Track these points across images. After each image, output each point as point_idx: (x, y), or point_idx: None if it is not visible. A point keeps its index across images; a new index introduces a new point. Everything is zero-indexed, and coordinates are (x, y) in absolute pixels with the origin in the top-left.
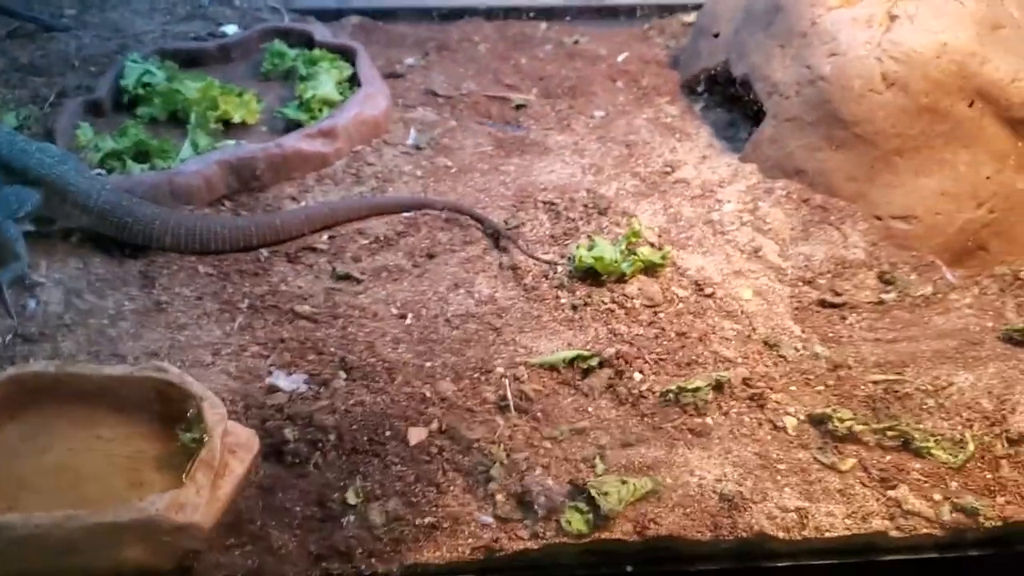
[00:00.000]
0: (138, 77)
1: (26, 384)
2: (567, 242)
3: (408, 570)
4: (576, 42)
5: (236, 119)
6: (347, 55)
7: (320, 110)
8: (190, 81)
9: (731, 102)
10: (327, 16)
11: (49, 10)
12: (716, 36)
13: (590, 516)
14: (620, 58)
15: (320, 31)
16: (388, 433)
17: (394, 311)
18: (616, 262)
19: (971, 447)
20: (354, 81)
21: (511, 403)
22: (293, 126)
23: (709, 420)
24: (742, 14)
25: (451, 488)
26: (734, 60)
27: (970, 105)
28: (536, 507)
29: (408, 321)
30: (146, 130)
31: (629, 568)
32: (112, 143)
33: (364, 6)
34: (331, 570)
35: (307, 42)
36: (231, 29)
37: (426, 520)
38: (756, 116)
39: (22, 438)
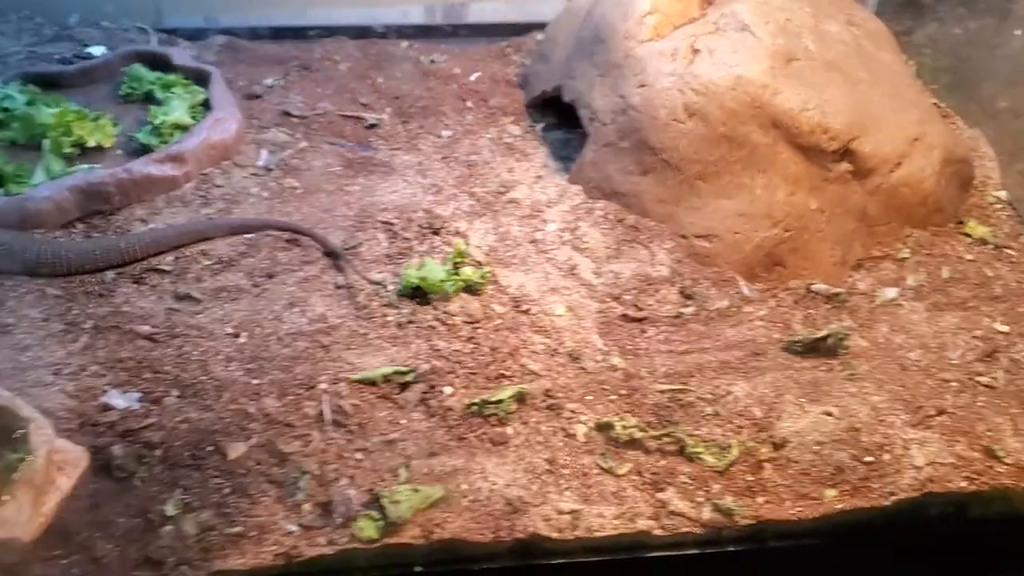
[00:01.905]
0: None
1: None
2: (401, 261)
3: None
4: (432, 61)
5: (91, 143)
6: (202, 78)
7: (172, 134)
8: (46, 106)
9: (569, 124)
10: (196, 36)
11: None
12: (553, 60)
13: (381, 523)
14: (472, 77)
15: (180, 55)
16: (210, 448)
17: (229, 330)
18: (441, 281)
19: (735, 451)
20: (208, 105)
21: (327, 417)
22: (145, 150)
23: (509, 430)
24: (574, 42)
25: (263, 499)
26: (565, 85)
27: (764, 133)
28: (335, 515)
29: (241, 340)
30: (5, 154)
31: (418, 569)
32: None
33: (232, 25)
34: None
35: (166, 65)
36: (98, 51)
37: (235, 529)
38: (585, 139)
39: None
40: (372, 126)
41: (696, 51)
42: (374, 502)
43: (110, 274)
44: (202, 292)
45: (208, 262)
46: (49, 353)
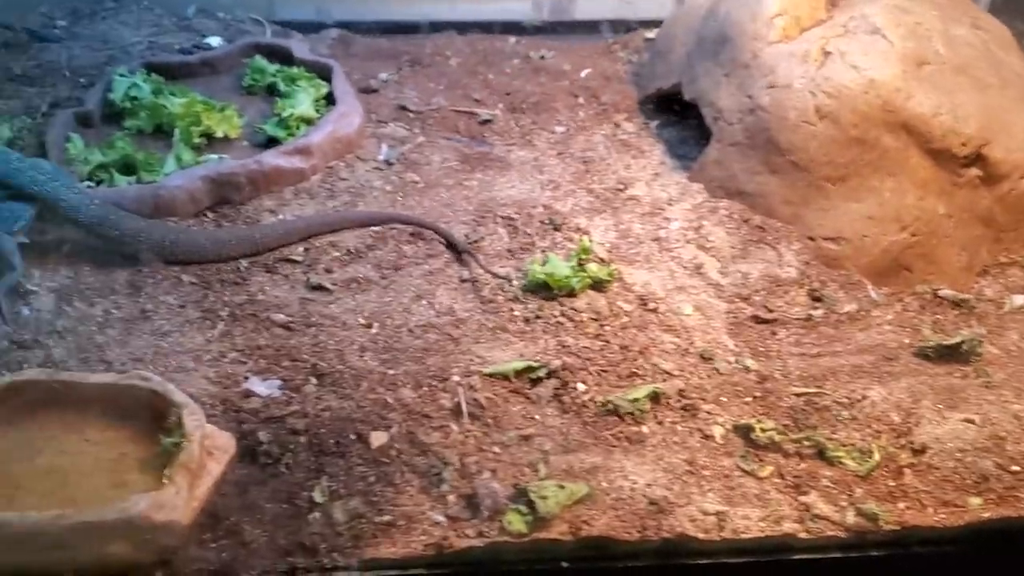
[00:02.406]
0: (125, 90)
1: (21, 391)
2: (523, 256)
3: (366, 564)
4: (542, 57)
5: (218, 134)
6: (324, 72)
7: (298, 127)
8: (175, 96)
9: (684, 122)
10: (308, 29)
11: (41, 21)
12: (671, 58)
13: (529, 517)
14: (583, 74)
15: (299, 48)
16: (353, 436)
17: (361, 321)
18: (567, 278)
19: (877, 456)
20: (330, 98)
21: (465, 410)
22: (272, 142)
23: (645, 429)
24: (694, 40)
25: (407, 489)
26: (686, 84)
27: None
28: (482, 508)
29: (374, 330)
30: (133, 142)
31: (565, 565)
32: (100, 156)
33: (344, 19)
34: (296, 564)
35: (286, 58)
36: (215, 41)
37: (384, 518)
38: (706, 138)
39: (17, 442)
40: (486, 121)
41: (827, 53)
42: (521, 496)
43: (244, 263)
44: (333, 283)
45: (337, 253)
46: (188, 339)
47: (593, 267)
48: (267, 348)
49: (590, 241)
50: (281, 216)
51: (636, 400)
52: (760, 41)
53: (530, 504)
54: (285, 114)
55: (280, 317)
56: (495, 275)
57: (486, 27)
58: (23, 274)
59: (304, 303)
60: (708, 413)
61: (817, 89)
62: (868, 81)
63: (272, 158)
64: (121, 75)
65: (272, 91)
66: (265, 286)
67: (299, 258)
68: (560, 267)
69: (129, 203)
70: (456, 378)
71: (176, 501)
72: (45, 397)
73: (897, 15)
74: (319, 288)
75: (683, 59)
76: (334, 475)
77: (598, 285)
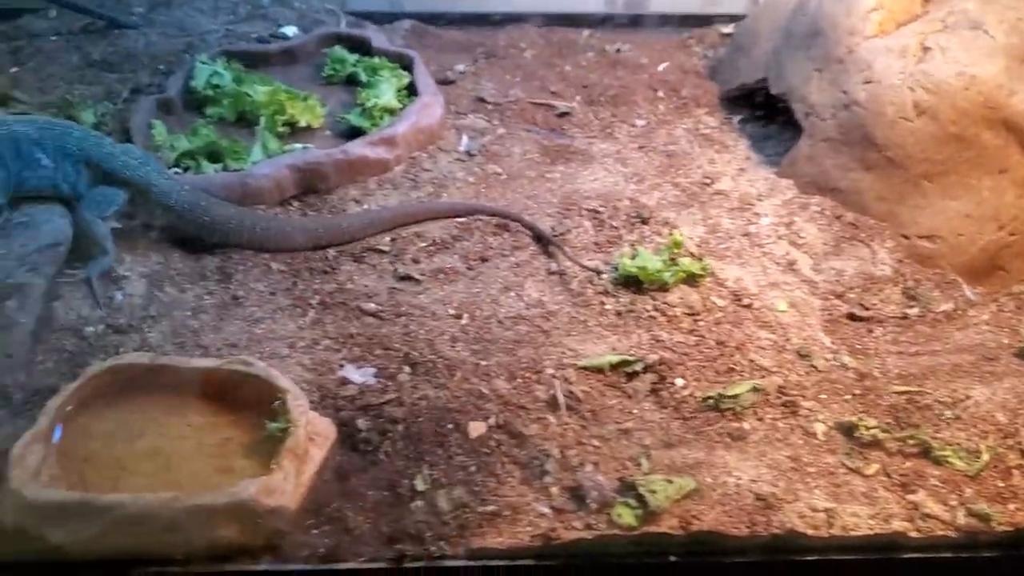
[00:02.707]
0: (207, 78)
1: (122, 374)
2: (610, 249)
3: (474, 553)
4: (618, 50)
5: (301, 123)
6: (404, 63)
7: (381, 117)
8: (258, 84)
9: (768, 117)
10: (381, 19)
11: (119, 7)
12: (755, 53)
13: (639, 511)
14: (660, 67)
15: (377, 38)
16: (450, 426)
17: (451, 311)
18: (659, 272)
19: (985, 457)
20: (411, 89)
21: (562, 402)
22: (354, 131)
23: (746, 425)
24: (781, 35)
25: (508, 480)
26: (773, 79)
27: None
28: (589, 500)
29: (464, 321)
30: (216, 130)
31: (673, 559)
32: (186, 143)
33: (416, 10)
34: (405, 551)
35: (365, 48)
36: (291, 30)
37: (488, 508)
38: (792, 133)
39: (119, 424)
40: (564, 114)
41: (926, 49)
42: (629, 490)
43: (331, 252)
44: (421, 273)
45: (423, 244)
46: (280, 326)
47: (685, 262)
48: (359, 336)
49: (681, 236)
50: (366, 206)
51: (736, 396)
52: (856, 36)
53: (639, 498)
54: (369, 104)
55: (370, 306)
56: (585, 268)
57: (559, 19)
58: (115, 259)
59: (393, 292)
60: (809, 410)
61: (916, 84)
62: (969, 77)
63: (358, 148)
64: (203, 62)
65: (352, 81)
66: (354, 275)
67: (386, 248)
68: (651, 261)
69: (217, 190)
70: (550, 370)
71: (285, 486)
72: (146, 380)
73: (998, 10)
74: (407, 278)
75: (768, 54)
76: (434, 464)
77: (691, 280)
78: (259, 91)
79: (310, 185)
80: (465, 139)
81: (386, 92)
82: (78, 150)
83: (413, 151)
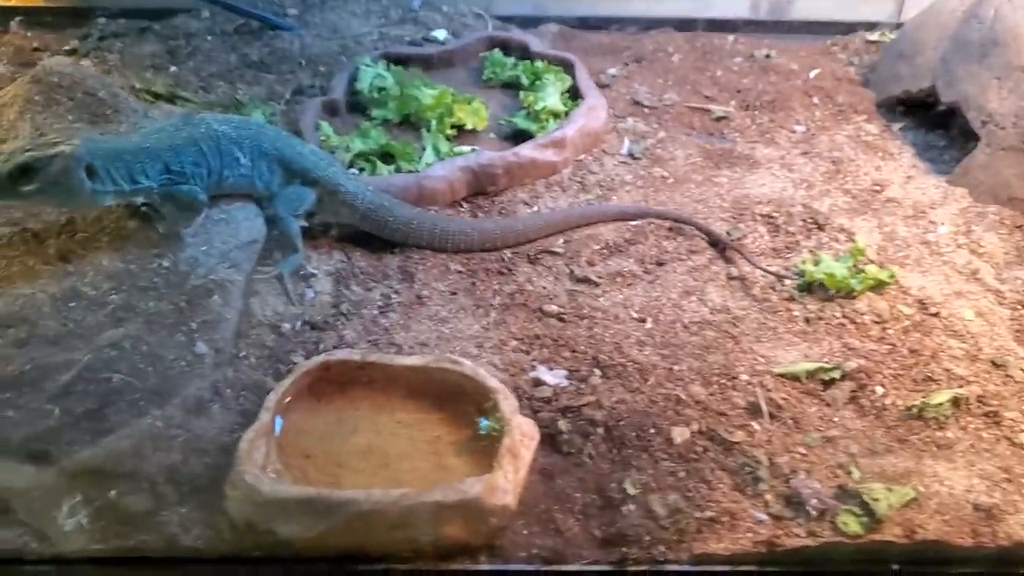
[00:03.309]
0: (371, 81)
1: (333, 369)
2: (788, 255)
3: (697, 558)
4: (768, 56)
5: (468, 126)
6: (563, 66)
7: (547, 120)
8: (425, 87)
9: (932, 125)
10: (525, 23)
11: (272, 8)
12: (918, 61)
13: (864, 519)
14: (812, 74)
15: (535, 42)
16: (652, 431)
17: (634, 314)
18: (846, 278)
19: None
20: (572, 92)
21: (764, 410)
22: (519, 134)
23: (950, 434)
24: (951, 44)
25: (719, 486)
26: (942, 87)
27: None
28: (808, 508)
29: (648, 325)
30: (382, 132)
31: (895, 567)
32: (360, 144)
33: (560, 14)
34: (628, 554)
35: (522, 52)
36: (441, 34)
37: (705, 514)
38: (962, 142)
39: (333, 420)
40: (721, 118)
41: None
42: (850, 497)
43: (507, 253)
44: (598, 276)
45: (596, 247)
46: (466, 326)
47: (871, 269)
48: (545, 338)
49: (863, 242)
50: (535, 208)
51: (939, 405)
52: None
53: (863, 505)
54: (539, 107)
55: (552, 308)
56: (770, 273)
57: (702, 24)
58: (305, 257)
59: (572, 295)
60: (1012, 421)
61: None
62: None
63: (528, 150)
64: (366, 65)
65: (510, 85)
66: (532, 277)
67: (560, 250)
68: (836, 268)
69: (395, 191)
70: (744, 377)
71: (506, 485)
72: (355, 377)
73: None
74: (585, 280)
75: (935, 62)
76: (641, 468)
77: (877, 287)
78: (426, 94)
79: (480, 187)
80: (627, 142)
81: (551, 95)
82: (273, 149)
83: (579, 154)
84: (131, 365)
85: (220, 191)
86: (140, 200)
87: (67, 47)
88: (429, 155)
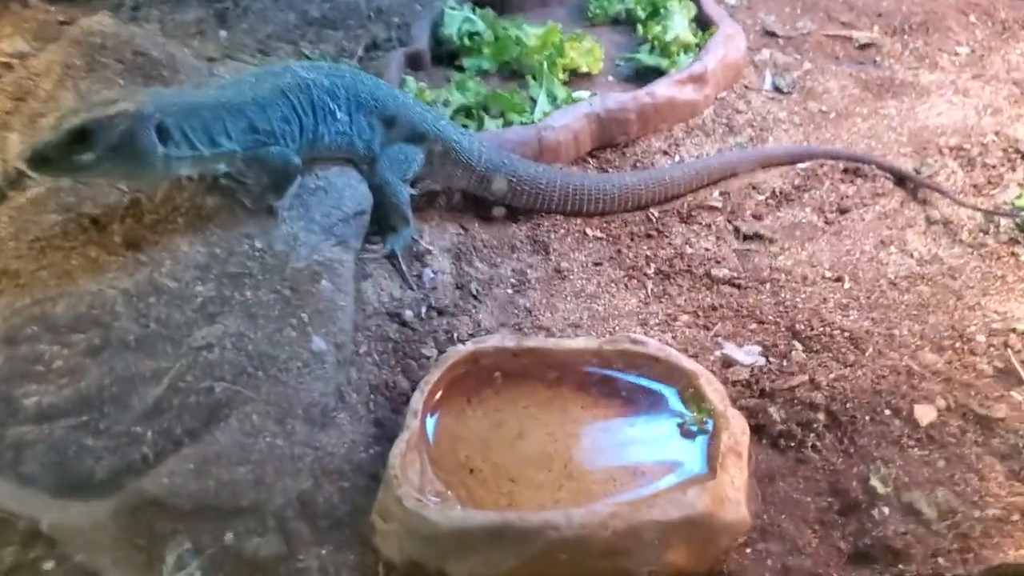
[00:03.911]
0: (459, 26)
1: (482, 361)
2: (991, 192)
3: (995, 571)
4: None
5: (582, 68)
6: None
7: (678, 54)
8: (528, 27)
9: None
10: None
11: None
12: None
13: None
14: None
15: None
16: (887, 411)
17: (826, 273)
18: None
19: None
20: (699, 21)
21: (1022, 375)
22: (642, 73)
23: None
24: None
25: (993, 475)
26: None
27: None
28: None
29: (846, 285)
30: (480, 83)
31: None
32: (459, 97)
33: None
34: (900, 571)
35: None
36: None
37: (988, 512)
38: None
39: (491, 423)
40: (867, 45)
41: None
42: None
43: (654, 212)
44: (770, 231)
45: (761, 197)
46: (621, 301)
47: None
48: (722, 309)
49: None
50: (677, 158)
51: None
52: None
53: None
54: (666, 39)
55: (723, 272)
56: (985, 212)
57: None
58: (415, 230)
59: (744, 255)
60: None
61: None
62: None
63: (664, 89)
64: (452, 9)
65: (619, 21)
66: (689, 237)
67: (717, 203)
68: None
69: (511, 148)
70: (981, 338)
71: (736, 495)
72: (510, 368)
73: None
74: (756, 237)
75: None
76: (887, 460)
77: None
78: (529, 34)
79: (608, 138)
80: (769, 76)
81: (679, 25)
82: (372, 100)
83: (720, 90)
84: (235, 370)
85: (315, 153)
86: (221, 168)
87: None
88: (544, 103)
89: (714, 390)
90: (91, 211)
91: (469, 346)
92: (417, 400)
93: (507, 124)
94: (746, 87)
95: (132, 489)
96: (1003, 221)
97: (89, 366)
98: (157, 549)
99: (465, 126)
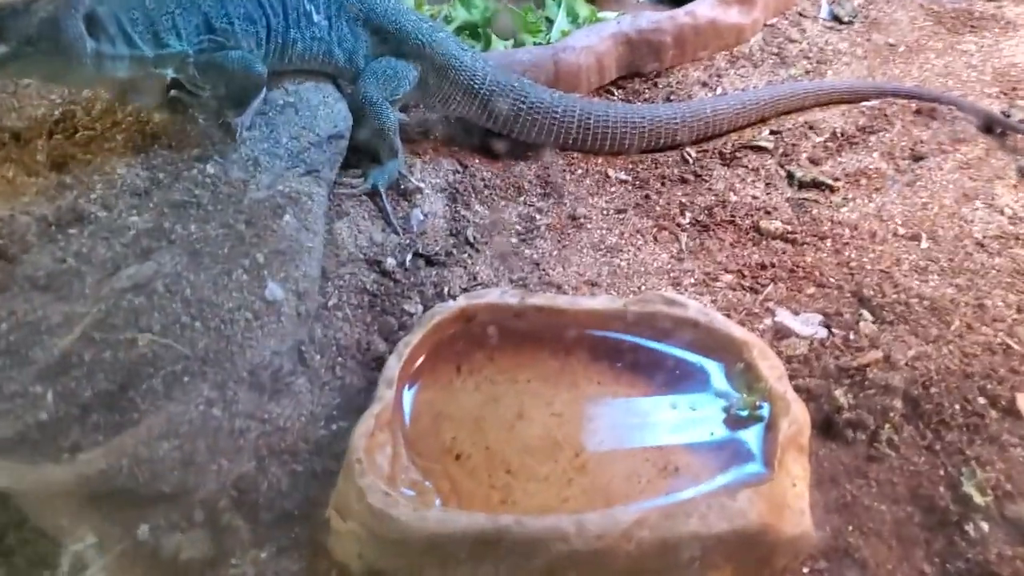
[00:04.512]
0: None
1: (477, 320)
2: None
3: None
4: None
5: None
6: None
7: None
8: None
9: None
10: None
11: None
12: None
13: None
14: None
15: None
16: (983, 400)
17: (900, 230)
18: None
19: None
20: None
21: None
22: None
23: None
24: None
25: None
26: None
27: None
28: None
29: (924, 244)
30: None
31: None
32: (464, 13)
33: None
34: None
35: None
36: None
37: None
38: None
39: (484, 398)
40: None
41: None
42: None
43: (691, 152)
44: (831, 178)
45: (819, 139)
46: (649, 256)
47: None
48: (773, 268)
49: None
50: (720, 91)
51: None
52: None
53: None
54: None
55: (775, 226)
56: None
57: None
58: (404, 164)
59: (800, 206)
60: None
61: None
62: None
63: (707, 9)
64: None
65: None
66: (733, 183)
67: (767, 144)
68: None
69: (523, 71)
70: None
71: (799, 501)
72: (510, 330)
73: None
74: (814, 185)
75: None
76: (983, 461)
77: None
78: None
79: (639, 64)
80: (824, 3)
81: None
82: (359, 4)
83: (770, 16)
84: (167, 319)
85: (285, 63)
86: (167, 73)
87: None
88: (563, 22)
89: (771, 366)
90: (13, 124)
91: (460, 301)
92: (393, 366)
93: (518, 45)
94: (800, 14)
95: (26, 464)
96: None
97: None
98: (52, 543)
99: (470, 46)
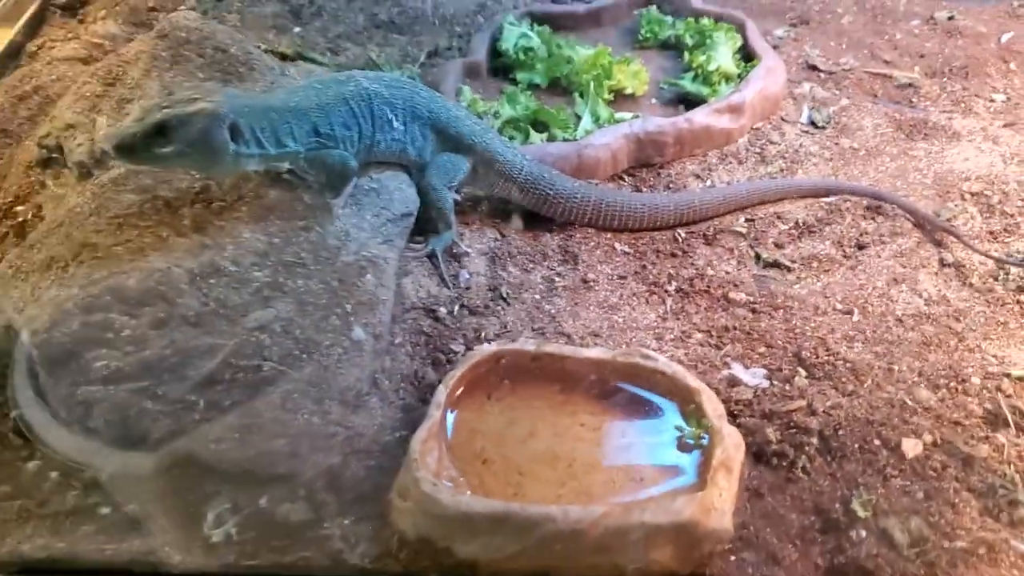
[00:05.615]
0: (516, 41)
1: (504, 361)
2: (1007, 239)
3: None
4: (950, 18)
5: (628, 89)
6: (733, 25)
7: (719, 83)
8: (580, 47)
9: None
10: None
11: None
12: None
13: None
14: (1004, 38)
15: None
16: (876, 442)
17: (837, 305)
18: None
19: None
20: (743, 53)
21: (1009, 419)
22: (683, 99)
23: None
24: None
25: (967, 510)
26: None
27: None
28: None
29: (855, 318)
30: (531, 97)
31: None
32: (510, 110)
33: None
34: None
35: (676, 10)
36: None
37: (956, 544)
38: None
39: (507, 420)
40: (906, 86)
41: None
42: None
43: (681, 232)
44: (789, 260)
45: (784, 226)
46: (640, 315)
47: None
48: (735, 331)
49: None
50: (709, 183)
51: None
52: None
53: None
54: (710, 67)
55: (740, 296)
56: (997, 260)
57: None
58: (456, 233)
59: (761, 281)
60: None
61: None
62: None
63: (702, 116)
64: (511, 24)
65: (668, 46)
66: (711, 259)
67: (742, 229)
68: None
69: (552, 161)
70: (976, 380)
71: (722, 505)
72: (528, 370)
73: None
74: (775, 265)
75: None
76: (869, 486)
77: None
78: (581, 54)
79: (645, 158)
80: (806, 110)
81: (724, 55)
82: (427, 112)
83: (757, 122)
84: (283, 351)
85: (371, 158)
86: (285, 166)
87: (183, 7)
88: (587, 122)
89: (713, 408)
90: (165, 194)
91: (494, 346)
92: (441, 393)
93: (551, 138)
94: (783, 119)
95: (182, 450)
96: (1014, 269)
97: (153, 337)
98: (199, 505)
99: (512, 138)
